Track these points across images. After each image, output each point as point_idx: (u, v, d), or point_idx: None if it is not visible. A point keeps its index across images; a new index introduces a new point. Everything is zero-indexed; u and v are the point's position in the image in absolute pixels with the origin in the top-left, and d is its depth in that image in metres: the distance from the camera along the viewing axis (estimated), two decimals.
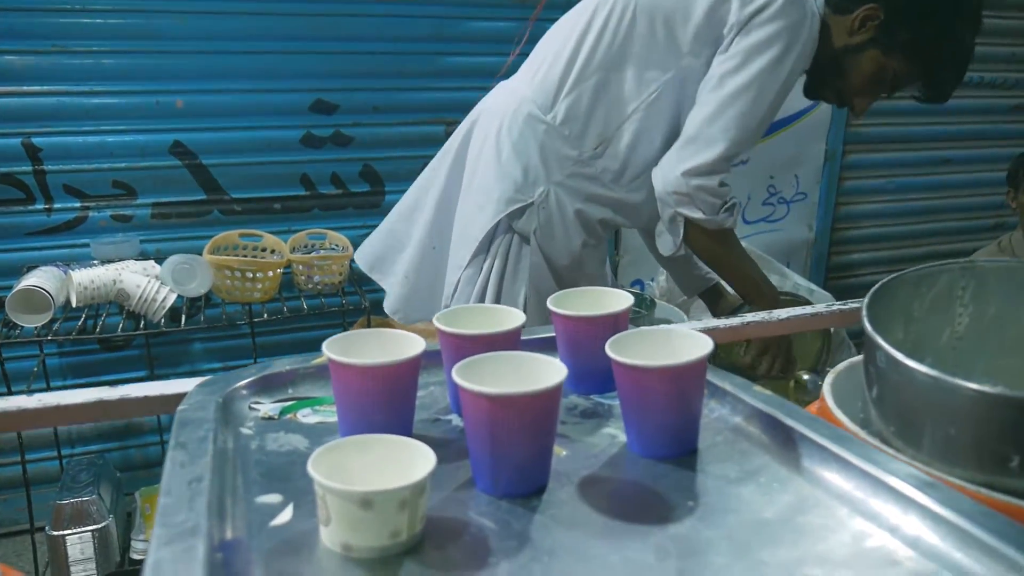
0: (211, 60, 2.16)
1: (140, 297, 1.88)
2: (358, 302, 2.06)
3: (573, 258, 1.31)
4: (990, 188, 3.11)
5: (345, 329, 0.73)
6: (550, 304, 0.84)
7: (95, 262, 2.04)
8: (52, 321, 1.87)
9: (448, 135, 1.49)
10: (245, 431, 0.76)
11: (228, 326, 2.04)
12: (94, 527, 1.90)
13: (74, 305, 1.90)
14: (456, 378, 0.63)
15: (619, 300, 0.86)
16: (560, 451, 0.72)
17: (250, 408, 0.81)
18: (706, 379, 0.71)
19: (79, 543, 1.90)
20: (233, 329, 2.26)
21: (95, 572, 1.90)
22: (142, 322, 1.92)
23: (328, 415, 0.80)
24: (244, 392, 0.82)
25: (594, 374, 0.84)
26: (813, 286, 2.67)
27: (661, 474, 0.68)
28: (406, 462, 0.58)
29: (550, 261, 1.30)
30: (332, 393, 0.74)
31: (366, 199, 2.39)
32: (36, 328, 1.84)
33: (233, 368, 0.88)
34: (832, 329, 2.65)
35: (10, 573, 0.92)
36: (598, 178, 1.27)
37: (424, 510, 0.57)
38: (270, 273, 1.98)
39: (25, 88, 2.03)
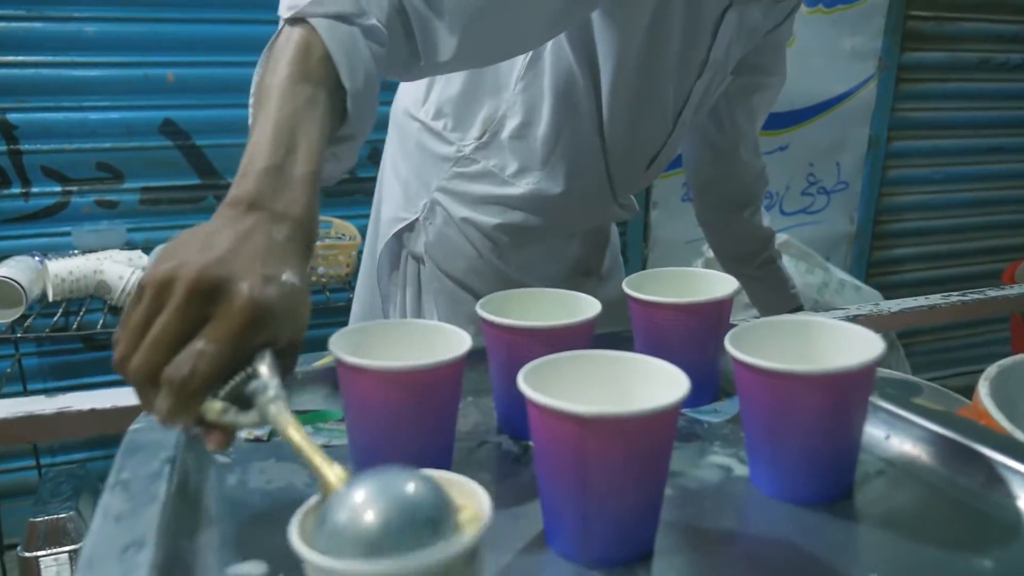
0: (206, 29, 1.95)
1: (123, 290, 1.68)
2: None
3: (485, 274, 0.96)
4: None
5: None
6: (627, 287, 0.64)
7: (76, 252, 1.84)
8: (28, 317, 1.67)
9: None
10: (221, 459, 0.56)
11: None
12: (72, 547, 1.69)
13: (51, 299, 1.70)
14: (527, 390, 0.42)
15: (718, 284, 0.65)
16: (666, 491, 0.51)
17: None
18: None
19: (55, 565, 1.69)
20: None
21: None
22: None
23: (336, 436, 0.60)
24: None
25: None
26: (859, 282, 2.46)
27: (816, 527, 0.47)
28: (446, 513, 0.37)
29: (461, 283, 0.98)
30: (340, 406, 0.54)
31: (375, 184, 2.18)
32: (9, 324, 1.64)
33: None
34: (883, 332, 2.45)
35: None
36: (487, 176, 0.92)
37: None
38: None
39: None
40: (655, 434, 0.41)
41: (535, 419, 0.43)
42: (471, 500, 0.37)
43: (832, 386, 0.46)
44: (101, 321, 1.69)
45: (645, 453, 0.41)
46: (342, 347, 0.50)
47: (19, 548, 1.69)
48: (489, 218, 0.92)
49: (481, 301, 0.59)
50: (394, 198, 0.99)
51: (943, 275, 2.96)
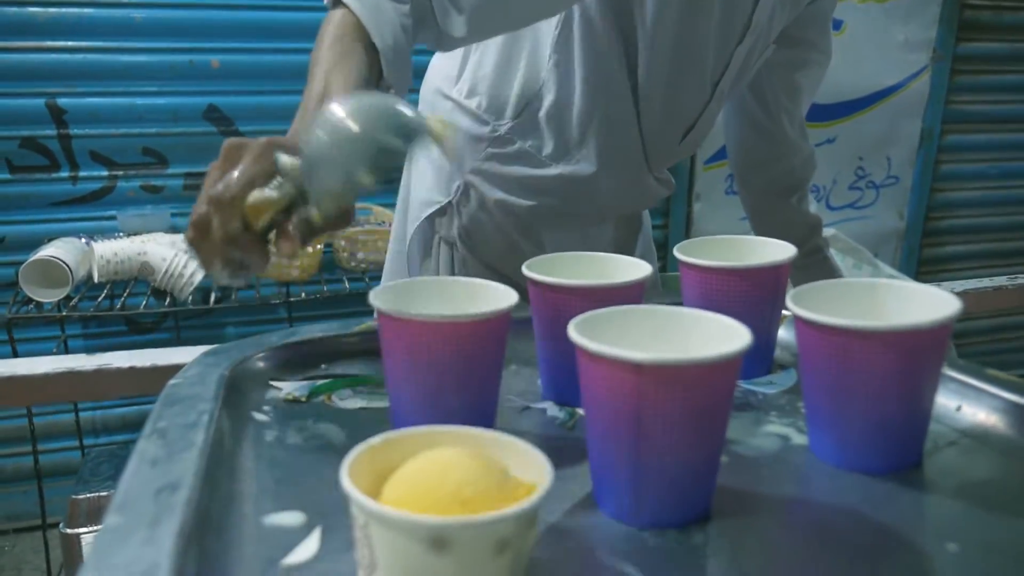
0: (251, 16, 1.97)
1: (166, 272, 1.70)
2: None
3: (518, 260, 0.88)
4: None
5: None
6: (678, 253, 0.61)
7: (121, 235, 1.86)
8: (73, 298, 1.69)
9: None
10: (259, 417, 0.54)
11: (262, 307, 1.85)
12: None
13: (96, 280, 1.72)
14: (578, 338, 0.40)
15: (775, 249, 0.62)
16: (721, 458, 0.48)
17: (269, 386, 0.60)
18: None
19: None
20: (269, 311, 2.06)
21: None
22: (167, 300, 1.74)
23: (376, 399, 0.58)
24: (261, 365, 0.61)
25: None
26: (908, 280, 2.39)
27: (883, 497, 0.44)
28: (499, 474, 0.35)
29: (494, 269, 0.95)
30: (380, 369, 0.52)
31: None
32: (55, 304, 1.66)
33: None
34: None
35: None
36: (524, 157, 0.89)
37: (529, 555, 0.34)
38: (309, 249, 1.78)
39: (49, 44, 1.86)
40: (715, 386, 0.38)
41: (586, 370, 0.40)
42: (531, 464, 0.35)
43: (903, 345, 0.43)
44: (144, 303, 1.71)
45: (704, 406, 0.38)
46: (385, 300, 0.49)
47: (61, 525, 1.71)
48: (523, 200, 0.90)
49: (527, 263, 0.57)
50: (425, 180, 0.97)
51: (997, 275, 2.85)
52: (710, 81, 0.86)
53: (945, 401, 0.53)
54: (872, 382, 0.44)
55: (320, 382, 0.61)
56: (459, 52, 0.92)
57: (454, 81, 0.92)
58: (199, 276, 1.73)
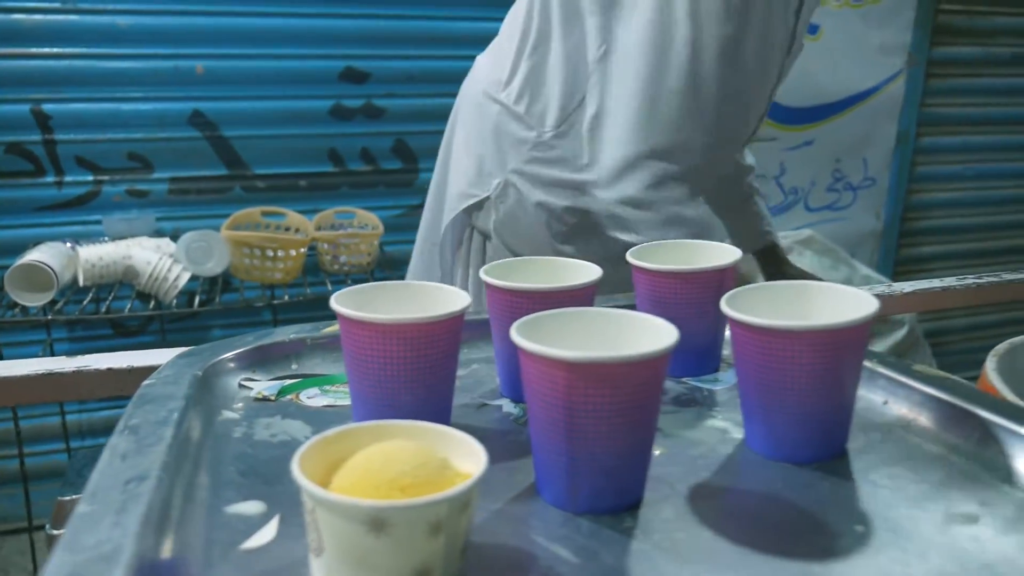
0: (234, 22, 1.99)
1: (150, 275, 1.72)
2: None
3: (550, 254, 0.95)
4: None
5: None
6: (630, 257, 0.64)
7: (106, 239, 1.88)
8: (57, 303, 1.71)
9: None
10: (229, 415, 0.57)
11: (246, 310, 1.87)
12: None
13: (81, 284, 1.74)
14: (518, 339, 0.43)
15: (722, 254, 0.66)
16: (654, 449, 0.52)
17: (240, 386, 0.63)
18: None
19: None
20: (254, 314, 2.09)
21: None
22: (151, 303, 1.76)
23: (341, 397, 0.61)
24: (233, 365, 0.63)
25: (689, 351, 0.64)
26: (884, 279, 2.44)
27: (805, 484, 0.47)
28: (438, 462, 0.38)
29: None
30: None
31: (399, 177, 2.20)
32: (41, 308, 1.69)
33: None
34: (907, 327, 2.41)
35: None
36: (563, 162, 0.96)
37: (467, 536, 0.38)
38: (292, 252, 1.81)
39: (34, 50, 1.88)
40: (642, 381, 0.42)
41: (525, 368, 0.44)
42: (470, 455, 0.38)
43: (823, 343, 0.47)
44: (128, 306, 1.73)
45: (632, 400, 0.42)
46: (346, 303, 0.52)
47: (48, 527, 1.73)
48: (561, 201, 0.97)
49: (484, 268, 0.61)
50: (465, 175, 1.03)
51: (972, 274, 2.91)
52: (765, 97, 0.95)
53: (873, 396, 0.57)
54: (797, 378, 0.48)
55: (289, 382, 0.64)
56: (509, 60, 1.00)
57: (503, 86, 1.00)
58: (184, 279, 1.75)
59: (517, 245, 0.99)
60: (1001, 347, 0.72)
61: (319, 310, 2.01)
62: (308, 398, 0.61)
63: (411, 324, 0.49)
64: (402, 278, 2.30)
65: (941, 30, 2.60)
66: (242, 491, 0.46)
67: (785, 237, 2.44)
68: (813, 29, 2.46)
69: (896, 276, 2.81)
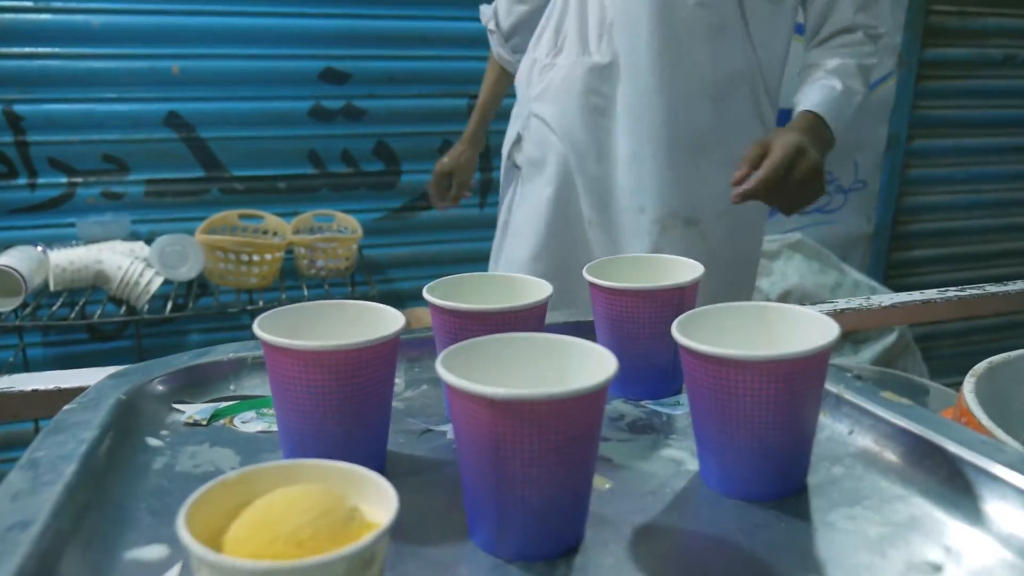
0: (211, 22, 1.95)
1: (122, 280, 1.68)
2: (368, 292, 1.84)
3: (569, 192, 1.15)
4: None
5: None
6: (587, 274, 0.61)
7: (77, 243, 1.84)
8: (31, 307, 1.67)
9: (471, 109, 1.38)
10: (154, 443, 0.54)
11: (222, 315, 1.83)
12: None
13: (51, 289, 1.70)
14: (442, 371, 0.40)
15: (681, 269, 0.62)
16: (602, 483, 0.48)
17: (172, 409, 0.59)
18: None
19: None
20: (232, 319, 2.05)
21: None
22: (123, 307, 1.72)
23: (276, 422, 0.57)
24: (162, 388, 0.60)
25: (648, 371, 0.61)
26: (875, 284, 2.41)
27: (759, 524, 0.44)
28: (345, 512, 0.35)
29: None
30: None
31: (380, 179, 2.16)
32: (11, 313, 1.64)
33: None
34: (897, 332, 2.38)
35: None
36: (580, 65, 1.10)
37: None
38: (268, 256, 1.77)
39: (4, 50, 1.83)
40: (573, 420, 0.38)
41: (451, 403, 0.40)
42: (380, 500, 0.35)
43: (779, 373, 0.43)
44: (99, 311, 1.69)
45: (563, 440, 0.38)
46: (271, 327, 0.48)
47: None
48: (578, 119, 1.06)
49: (428, 286, 0.57)
50: (511, 122, 1.20)
51: (964, 278, 2.88)
52: None
53: (839, 424, 0.53)
54: (751, 411, 0.44)
55: (224, 405, 0.60)
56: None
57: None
58: (156, 284, 1.71)
59: (540, 184, 1.12)
60: (980, 367, 0.68)
61: None
62: (243, 423, 0.58)
63: (334, 351, 0.45)
64: (386, 283, 2.26)
65: (932, 31, 2.56)
66: (147, 533, 0.42)
67: (774, 241, 2.40)
68: (801, 29, 2.42)
69: (887, 280, 2.77)
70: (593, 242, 1.09)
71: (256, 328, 0.48)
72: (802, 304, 1.97)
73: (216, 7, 1.95)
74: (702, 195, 1.04)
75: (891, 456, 0.49)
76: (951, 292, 0.87)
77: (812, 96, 1.01)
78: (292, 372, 0.46)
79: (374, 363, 0.47)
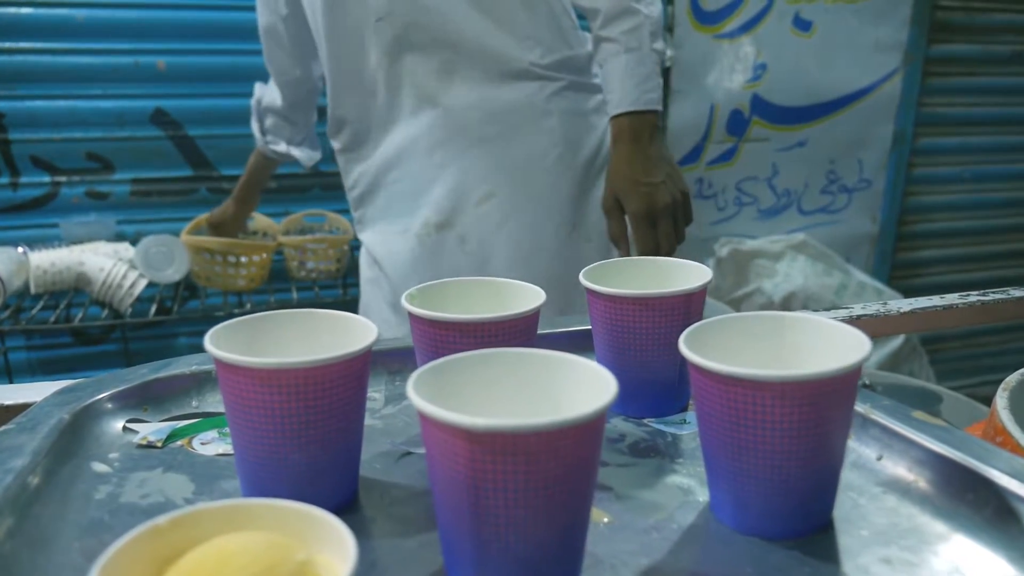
0: (198, 16, 1.90)
1: (104, 283, 1.62)
2: (359, 295, 1.79)
3: None
4: None
5: None
6: (583, 279, 0.55)
7: (59, 244, 1.78)
8: (11, 309, 1.62)
9: None
10: (99, 468, 0.48)
11: (206, 318, 1.77)
12: None
13: (32, 291, 1.65)
14: (414, 396, 0.34)
15: (688, 274, 0.57)
16: (600, 516, 0.43)
17: (125, 429, 0.53)
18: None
19: None
20: (219, 323, 1.99)
21: None
22: (105, 312, 1.66)
23: None
24: (111, 405, 0.54)
25: (651, 386, 0.55)
26: (881, 285, 2.35)
27: (779, 568, 0.38)
28: (293, 567, 0.29)
29: None
30: None
31: None
32: None
33: None
34: (904, 336, 2.32)
35: None
36: None
37: None
38: (256, 258, 1.71)
39: None
40: (568, 453, 0.32)
41: (424, 432, 0.34)
42: (338, 548, 0.29)
43: (804, 395, 0.38)
44: (81, 314, 1.64)
45: (553, 477, 0.32)
46: (226, 341, 0.43)
47: None
48: None
49: (407, 293, 0.51)
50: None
51: (971, 279, 2.82)
52: None
53: (865, 450, 0.48)
54: (771, 437, 0.39)
55: (183, 423, 0.55)
56: None
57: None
58: (140, 287, 1.66)
59: None
60: (1012, 379, 0.63)
61: None
62: (202, 444, 0.52)
63: (296, 369, 0.39)
64: None
65: (939, 27, 2.51)
66: None
67: (777, 241, 2.35)
68: (806, 25, 2.37)
69: (892, 281, 2.72)
70: None
71: (207, 343, 0.42)
72: (808, 307, 1.90)
73: (203, 1, 1.89)
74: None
75: (927, 486, 0.44)
76: (973, 297, 0.81)
77: (612, 87, 0.90)
78: (248, 393, 0.40)
79: (343, 381, 0.41)
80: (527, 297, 0.52)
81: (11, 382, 1.93)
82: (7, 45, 1.80)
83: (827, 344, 0.43)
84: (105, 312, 1.66)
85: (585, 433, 0.33)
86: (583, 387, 0.37)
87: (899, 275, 2.75)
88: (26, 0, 1.79)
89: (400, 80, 1.01)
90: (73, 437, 0.49)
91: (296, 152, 1.35)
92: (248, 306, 1.71)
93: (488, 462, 0.32)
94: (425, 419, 0.33)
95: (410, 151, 1.04)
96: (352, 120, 1.10)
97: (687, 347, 0.41)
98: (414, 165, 1.05)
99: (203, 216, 1.86)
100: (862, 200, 2.62)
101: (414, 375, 0.36)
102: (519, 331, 0.48)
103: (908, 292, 2.51)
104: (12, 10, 1.79)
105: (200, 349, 0.59)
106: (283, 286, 1.85)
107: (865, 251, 2.68)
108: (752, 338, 0.44)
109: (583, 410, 0.32)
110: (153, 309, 1.70)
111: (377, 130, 1.07)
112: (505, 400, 0.38)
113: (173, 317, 1.70)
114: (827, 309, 0.82)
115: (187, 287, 1.83)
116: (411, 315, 0.49)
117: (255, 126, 1.34)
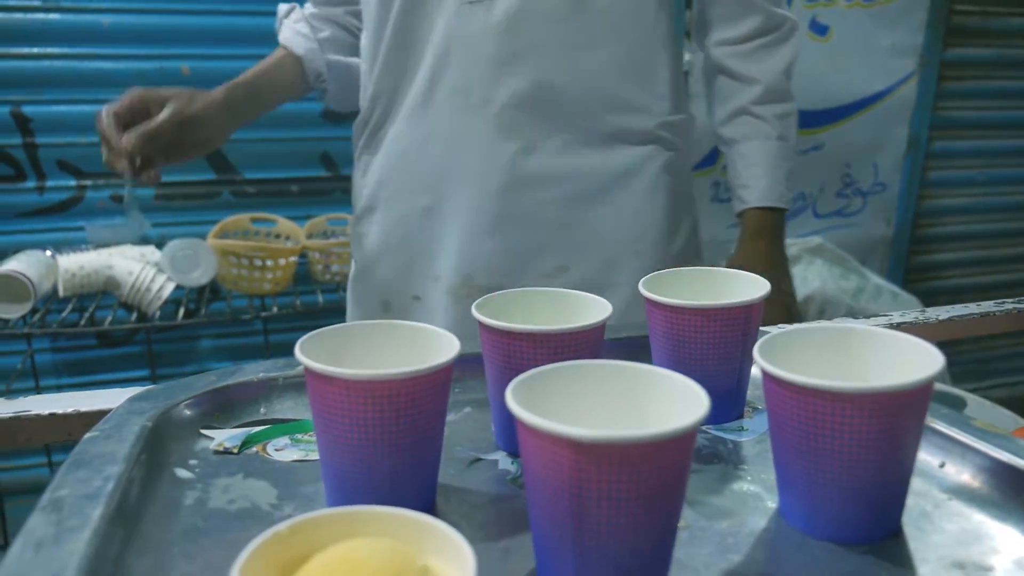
0: (222, 22, 1.92)
1: (132, 286, 1.65)
2: None
3: None
4: None
5: None
6: (643, 289, 0.57)
7: (87, 247, 1.80)
8: (38, 312, 1.64)
9: None
10: (183, 474, 0.50)
11: (232, 321, 1.79)
12: None
13: (60, 295, 1.67)
14: (515, 407, 0.35)
15: (747, 285, 0.58)
16: (680, 524, 0.44)
17: (200, 435, 0.55)
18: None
19: None
20: (244, 325, 2.01)
21: None
22: (134, 314, 1.68)
23: (313, 449, 0.53)
24: (189, 412, 0.56)
25: (710, 395, 0.56)
26: (896, 288, 2.36)
27: (856, 572, 0.40)
28: (417, 573, 0.30)
29: None
30: None
31: None
32: (21, 320, 1.61)
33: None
34: None
35: None
36: None
37: None
38: (282, 261, 1.73)
39: (14, 51, 1.80)
40: (666, 464, 0.34)
41: (524, 442, 0.36)
42: (454, 557, 0.31)
43: (881, 407, 0.39)
44: (110, 317, 1.66)
45: (653, 485, 0.34)
46: (314, 351, 0.44)
47: None
48: None
49: (477, 302, 0.53)
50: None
51: (986, 282, 2.83)
52: None
53: (928, 457, 0.49)
54: (847, 447, 0.40)
55: (256, 430, 0.56)
56: None
57: None
58: (168, 290, 1.68)
59: None
60: None
61: (310, 320, 1.93)
62: (276, 450, 0.54)
63: (388, 380, 0.41)
64: None
65: (954, 31, 2.52)
66: None
67: (793, 245, 2.36)
68: (822, 30, 2.39)
69: (907, 285, 2.73)
70: None
71: (298, 352, 0.43)
72: (825, 310, 1.90)
73: (226, 7, 1.91)
74: None
75: (992, 492, 0.45)
76: (1008, 304, 0.83)
77: (756, 172, 0.85)
78: (339, 402, 0.42)
79: (431, 392, 0.43)
80: (593, 308, 0.54)
81: (37, 384, 1.95)
82: (34, 51, 1.82)
83: (893, 357, 0.44)
84: (133, 315, 1.68)
85: (682, 444, 0.34)
86: (671, 399, 0.38)
87: (914, 278, 2.76)
88: (53, 6, 1.81)
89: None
90: (155, 443, 0.51)
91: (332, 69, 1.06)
92: (274, 309, 1.73)
93: (592, 472, 0.33)
94: (527, 429, 0.35)
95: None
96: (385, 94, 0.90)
97: (763, 358, 0.42)
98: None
99: (231, 218, 1.88)
100: (877, 203, 2.63)
101: (512, 387, 0.37)
102: (590, 342, 0.50)
103: (923, 295, 2.52)
104: (40, 16, 1.81)
105: (225, 352, 0.61)
106: (308, 289, 1.87)
107: (880, 254, 2.69)
108: (820, 351, 0.46)
109: (675, 422, 0.34)
110: (181, 312, 1.72)
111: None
112: (594, 412, 0.40)
113: (201, 319, 1.71)
114: (863, 316, 0.83)
115: (212, 290, 1.85)
116: (481, 325, 0.51)
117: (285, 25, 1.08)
